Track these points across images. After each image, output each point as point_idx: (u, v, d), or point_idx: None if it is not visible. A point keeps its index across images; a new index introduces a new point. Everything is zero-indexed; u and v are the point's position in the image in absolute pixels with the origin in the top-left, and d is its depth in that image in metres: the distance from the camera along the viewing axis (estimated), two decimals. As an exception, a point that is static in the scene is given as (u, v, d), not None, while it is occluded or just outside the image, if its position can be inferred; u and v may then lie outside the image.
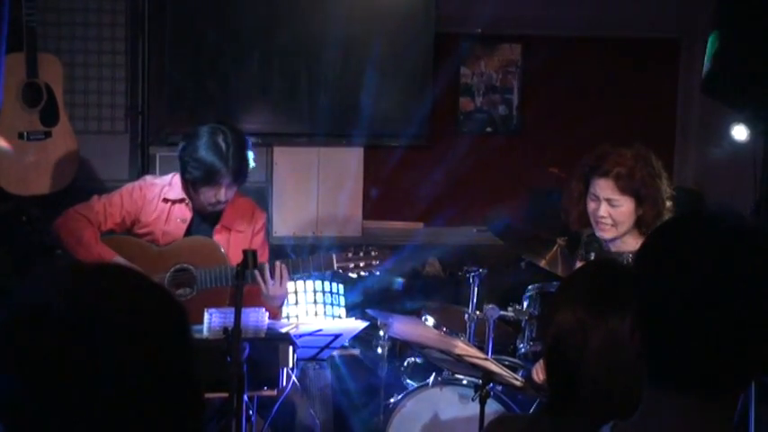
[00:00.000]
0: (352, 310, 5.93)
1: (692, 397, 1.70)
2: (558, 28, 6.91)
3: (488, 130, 7.01)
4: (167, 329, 1.51)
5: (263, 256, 4.77)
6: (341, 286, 5.93)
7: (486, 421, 4.14)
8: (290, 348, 3.96)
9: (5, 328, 1.46)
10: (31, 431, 1.44)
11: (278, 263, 4.66)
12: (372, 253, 4.76)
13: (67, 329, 1.43)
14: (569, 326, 2.50)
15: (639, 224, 4.34)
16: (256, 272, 4.57)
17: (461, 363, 4.11)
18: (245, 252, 3.70)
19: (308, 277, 5.60)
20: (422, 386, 4.95)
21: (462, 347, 4.13)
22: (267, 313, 4.07)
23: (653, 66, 7.14)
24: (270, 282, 4.60)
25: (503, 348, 5.13)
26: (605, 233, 4.36)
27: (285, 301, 4.93)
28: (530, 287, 4.99)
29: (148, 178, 5.08)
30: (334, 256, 4.73)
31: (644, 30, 7.06)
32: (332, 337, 4.41)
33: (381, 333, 5.17)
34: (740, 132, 5.07)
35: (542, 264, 4.90)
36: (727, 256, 1.68)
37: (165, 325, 1.51)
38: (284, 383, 3.97)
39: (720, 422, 1.71)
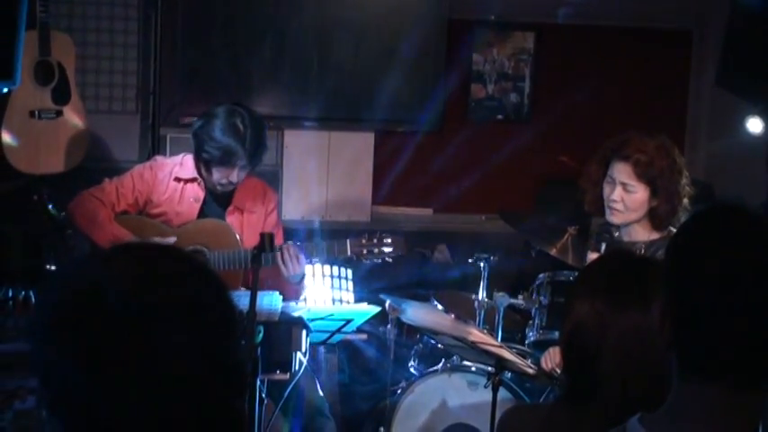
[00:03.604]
0: (359, 295, 5.93)
1: (722, 388, 1.70)
2: (571, 16, 6.91)
3: (499, 117, 7.00)
4: (221, 311, 1.51)
5: (277, 237, 4.77)
6: (349, 271, 5.92)
7: (497, 408, 4.15)
8: (304, 332, 3.97)
9: (60, 312, 1.45)
10: (85, 415, 1.44)
11: (288, 244, 4.67)
12: (386, 240, 4.76)
13: (126, 313, 1.42)
14: (588, 317, 2.49)
15: (653, 216, 4.32)
16: (277, 254, 4.57)
17: (475, 350, 4.11)
18: (262, 235, 3.69)
19: (318, 261, 5.60)
20: (430, 372, 4.95)
21: (476, 334, 4.13)
22: (281, 297, 4.07)
23: (665, 57, 7.13)
24: (289, 263, 4.62)
25: (511, 336, 5.14)
26: (615, 218, 4.34)
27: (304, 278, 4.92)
28: (540, 275, 5.00)
29: (159, 158, 5.08)
30: (348, 242, 4.73)
31: (657, 20, 7.05)
32: (343, 322, 4.41)
33: (390, 318, 5.18)
34: (755, 125, 5.05)
35: (553, 252, 4.89)
36: (760, 249, 1.69)
37: (218, 306, 1.51)
38: (296, 367, 3.98)
39: (750, 413, 1.72)
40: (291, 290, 4.70)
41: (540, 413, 2.77)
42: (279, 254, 4.57)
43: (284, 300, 4.61)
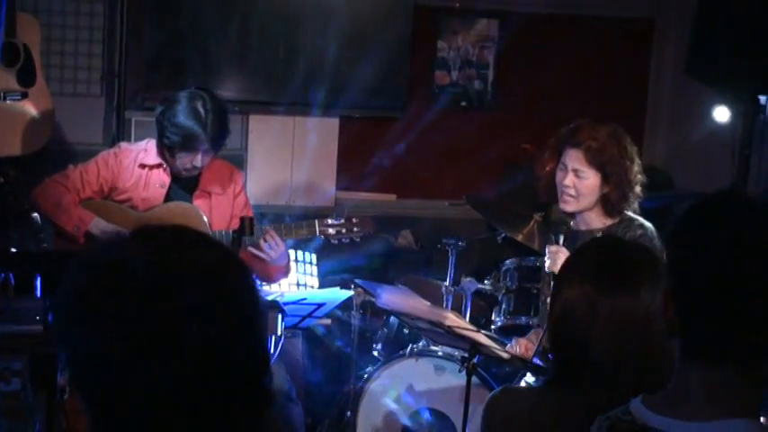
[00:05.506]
0: (324, 280, 5.94)
1: (726, 371, 1.74)
2: (535, 4, 6.94)
3: (463, 104, 7.02)
4: (245, 287, 1.52)
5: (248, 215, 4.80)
6: (314, 256, 5.94)
7: (462, 393, 4.19)
8: (279, 316, 3.98)
9: (88, 288, 1.46)
10: (112, 391, 1.44)
11: (267, 228, 4.69)
12: (354, 220, 4.82)
13: (154, 282, 1.43)
14: (577, 301, 2.54)
15: (605, 202, 4.41)
16: (261, 240, 4.60)
17: (450, 335, 4.14)
18: (242, 219, 3.71)
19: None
20: (397, 357, 4.97)
21: (453, 319, 4.16)
22: (269, 279, 4.08)
23: (627, 44, 7.19)
24: (273, 247, 4.65)
25: (476, 321, 5.17)
26: (567, 205, 4.44)
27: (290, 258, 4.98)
28: (507, 261, 5.04)
29: (123, 145, 5.07)
30: (316, 222, 4.78)
31: (619, 8, 7.10)
32: (315, 306, 4.43)
33: (355, 303, 5.20)
34: (722, 114, 5.10)
35: (519, 238, 4.94)
36: (762, 233, 1.73)
37: (242, 283, 1.52)
38: (272, 351, 3.99)
39: (752, 395, 1.76)
40: (279, 271, 4.80)
41: (529, 396, 2.80)
42: (262, 239, 4.60)
43: (273, 281, 4.68)
